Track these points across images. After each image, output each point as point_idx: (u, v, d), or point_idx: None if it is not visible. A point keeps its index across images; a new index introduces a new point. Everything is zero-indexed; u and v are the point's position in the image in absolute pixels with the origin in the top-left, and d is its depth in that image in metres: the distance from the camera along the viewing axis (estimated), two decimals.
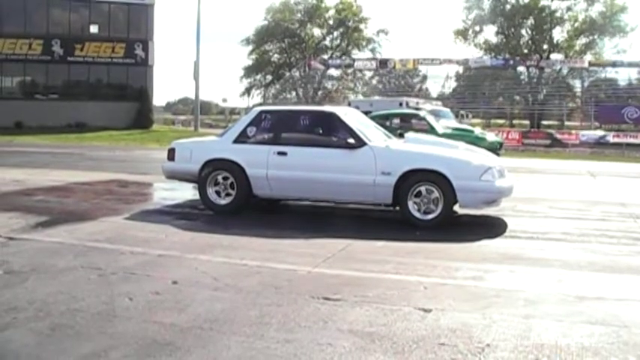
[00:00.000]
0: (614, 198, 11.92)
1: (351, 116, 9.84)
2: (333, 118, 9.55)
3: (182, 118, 65.38)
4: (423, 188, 8.64)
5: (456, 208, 8.95)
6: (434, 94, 53.98)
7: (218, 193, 9.65)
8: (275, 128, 9.71)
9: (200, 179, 9.71)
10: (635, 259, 7.07)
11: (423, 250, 7.29)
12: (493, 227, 8.92)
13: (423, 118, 20.84)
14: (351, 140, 9.06)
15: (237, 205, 9.51)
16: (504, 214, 9.37)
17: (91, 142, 29.96)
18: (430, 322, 4.72)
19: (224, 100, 55.44)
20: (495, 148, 19.66)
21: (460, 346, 4.25)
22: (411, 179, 8.67)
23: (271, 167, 9.34)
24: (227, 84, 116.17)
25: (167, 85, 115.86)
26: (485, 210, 9.06)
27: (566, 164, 20.85)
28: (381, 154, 8.94)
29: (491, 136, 20.89)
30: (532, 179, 14.16)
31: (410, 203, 8.69)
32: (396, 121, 19.70)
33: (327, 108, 10.73)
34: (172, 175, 10.42)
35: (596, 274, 6.33)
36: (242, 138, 9.72)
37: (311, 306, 5.14)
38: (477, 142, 18.63)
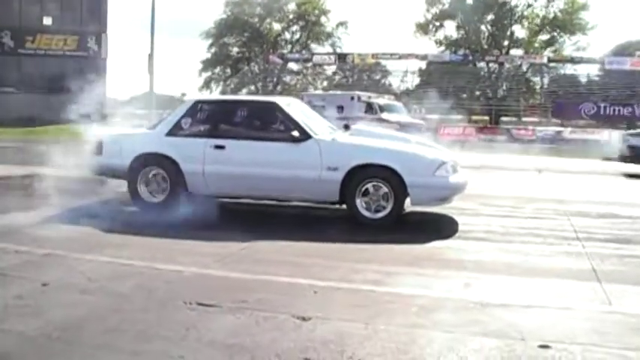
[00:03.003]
0: (553, 195, 11.43)
1: (295, 107, 9.24)
2: (274, 108, 8.92)
3: (141, 112, 64.38)
4: (372, 185, 8.14)
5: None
6: (399, 89, 53.46)
7: (150, 190, 8.96)
8: (212, 120, 9.03)
9: (130, 176, 8.96)
10: (556, 260, 6.59)
11: (330, 251, 6.80)
12: (413, 225, 8.54)
13: None
14: (295, 133, 8.44)
15: (170, 204, 8.65)
16: (430, 211, 8.89)
17: (38, 136, 29.05)
18: (303, 333, 4.23)
19: (183, 95, 54.53)
20: None
21: None
22: (360, 175, 8.15)
23: (208, 162, 8.62)
24: (189, 78, 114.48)
25: (131, 80, 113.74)
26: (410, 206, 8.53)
27: (516, 160, 20.37)
28: (327, 148, 8.35)
29: None
30: (474, 175, 13.65)
31: (358, 201, 8.17)
32: None
33: (268, 98, 10.12)
34: (101, 172, 9.59)
35: (509, 277, 5.85)
36: (176, 130, 8.96)
37: (180, 312, 4.67)
38: None
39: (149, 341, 4.10)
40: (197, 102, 9.43)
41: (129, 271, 5.77)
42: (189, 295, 5.01)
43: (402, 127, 23.86)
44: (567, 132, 35.95)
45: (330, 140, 8.56)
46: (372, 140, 8.74)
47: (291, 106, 9.14)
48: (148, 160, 8.94)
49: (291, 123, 8.60)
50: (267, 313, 4.60)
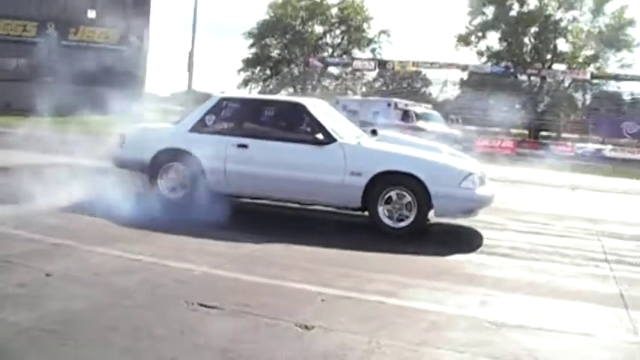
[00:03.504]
0: (585, 213, 11.07)
1: (321, 109, 9.02)
2: (300, 109, 8.73)
3: (179, 108, 64.54)
4: (395, 192, 7.90)
5: None
6: (439, 99, 52.96)
7: (171, 187, 8.84)
8: (237, 118, 8.90)
9: (150, 170, 8.85)
10: (581, 281, 6.29)
11: (346, 258, 6.57)
12: (436, 236, 8.29)
13: None
14: (320, 135, 8.26)
15: (189, 201, 8.49)
16: (454, 223, 8.64)
17: (73, 127, 29.04)
18: (304, 343, 4.04)
19: (222, 92, 54.58)
20: None
21: None
22: (383, 182, 7.91)
23: (230, 161, 8.46)
24: (228, 77, 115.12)
25: (172, 76, 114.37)
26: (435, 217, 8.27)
27: (550, 175, 19.92)
28: (351, 153, 8.12)
29: None
30: (506, 188, 13.28)
31: (380, 209, 7.93)
32: None
33: (294, 98, 9.95)
34: (122, 165, 9.43)
35: (529, 297, 5.58)
36: (199, 126, 8.84)
37: (180, 312, 4.51)
38: None
39: (143, 339, 3.97)
40: (222, 99, 9.28)
41: (137, 267, 5.63)
42: (193, 294, 4.87)
43: (438, 136, 23.53)
44: (608, 150, 35.28)
45: (355, 144, 8.34)
46: (398, 147, 8.51)
47: (317, 107, 8.93)
48: (169, 156, 8.81)
49: (316, 125, 8.41)
50: (269, 318, 4.42)
